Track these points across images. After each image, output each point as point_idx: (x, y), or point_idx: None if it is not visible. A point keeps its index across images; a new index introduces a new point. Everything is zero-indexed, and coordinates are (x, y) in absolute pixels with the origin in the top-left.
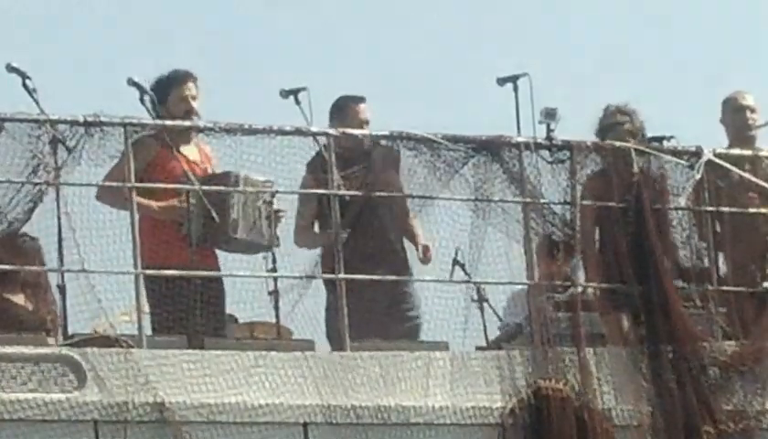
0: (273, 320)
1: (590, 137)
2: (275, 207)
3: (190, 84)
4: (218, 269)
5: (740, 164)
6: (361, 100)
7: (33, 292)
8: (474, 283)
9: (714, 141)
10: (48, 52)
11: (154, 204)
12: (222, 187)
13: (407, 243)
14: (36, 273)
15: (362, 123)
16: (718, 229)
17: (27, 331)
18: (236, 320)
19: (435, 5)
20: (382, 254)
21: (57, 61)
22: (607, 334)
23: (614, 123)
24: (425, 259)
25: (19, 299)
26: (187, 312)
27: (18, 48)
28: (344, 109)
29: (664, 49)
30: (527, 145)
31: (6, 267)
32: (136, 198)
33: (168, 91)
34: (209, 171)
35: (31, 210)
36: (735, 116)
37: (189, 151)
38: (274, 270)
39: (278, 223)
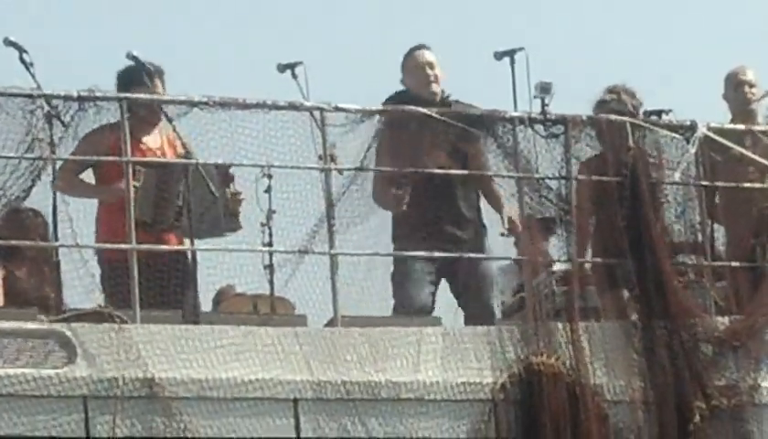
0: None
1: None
2: (233, 190)
3: (157, 82)
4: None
5: (741, 139)
6: (425, 46)
7: (37, 268)
8: (467, 256)
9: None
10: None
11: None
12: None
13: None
14: (39, 249)
15: (426, 65)
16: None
17: (31, 307)
18: (242, 294)
19: None
20: (452, 222)
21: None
22: (605, 309)
23: (601, 100)
24: (510, 231)
25: (23, 274)
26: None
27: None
28: (409, 55)
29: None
30: (521, 120)
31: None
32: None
33: (134, 88)
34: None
35: (30, 187)
36: (736, 91)
37: (152, 140)
38: (270, 244)
39: (238, 207)
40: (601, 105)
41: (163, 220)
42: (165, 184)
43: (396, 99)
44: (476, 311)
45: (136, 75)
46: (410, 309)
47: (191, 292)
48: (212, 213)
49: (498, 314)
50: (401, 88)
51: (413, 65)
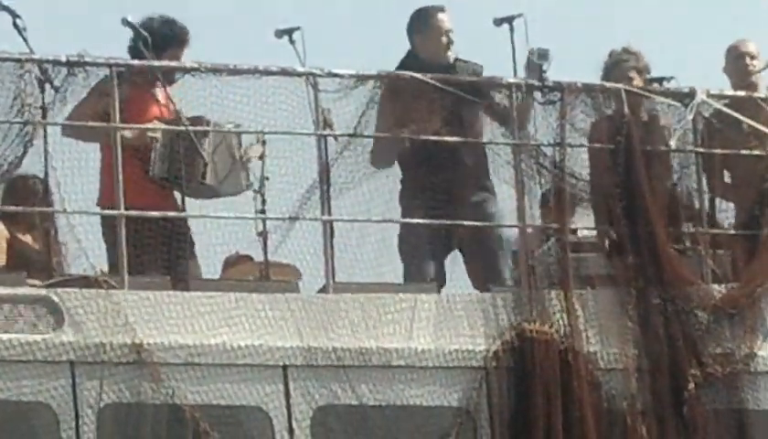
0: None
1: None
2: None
3: (185, 49)
4: (178, 210)
5: (742, 109)
6: (441, 9)
7: (41, 233)
8: (461, 224)
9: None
10: None
11: (126, 133)
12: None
13: None
14: (42, 214)
15: (445, 32)
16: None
17: (38, 271)
18: (251, 258)
19: None
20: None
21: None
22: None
23: (619, 60)
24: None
25: (28, 239)
26: (147, 254)
27: None
28: (425, 18)
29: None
30: (517, 86)
31: None
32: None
33: (164, 46)
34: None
35: (23, 154)
36: (736, 64)
37: (159, 93)
38: (263, 211)
39: (248, 169)
40: (618, 65)
41: (188, 178)
42: (185, 141)
43: (407, 65)
44: (486, 276)
45: (169, 39)
46: (421, 279)
47: (184, 257)
48: (233, 174)
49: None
50: (409, 49)
51: (431, 30)
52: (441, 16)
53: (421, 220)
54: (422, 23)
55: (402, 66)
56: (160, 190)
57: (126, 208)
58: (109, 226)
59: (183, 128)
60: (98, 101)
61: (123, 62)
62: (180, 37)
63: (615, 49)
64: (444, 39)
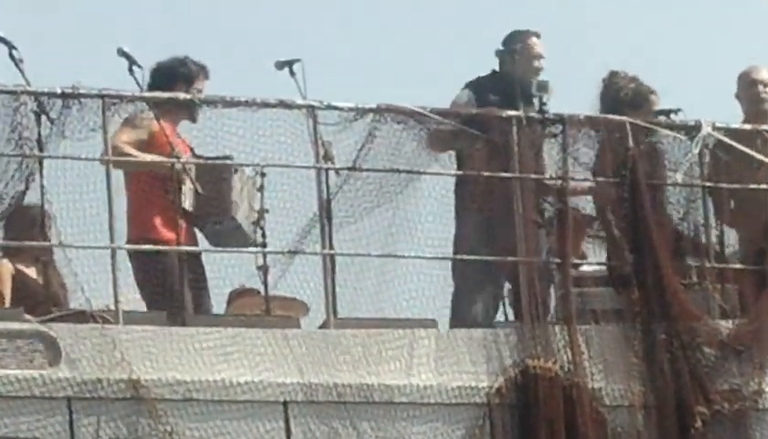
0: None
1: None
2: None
3: (201, 81)
4: (197, 245)
5: (752, 140)
6: (537, 34)
7: (44, 265)
8: (460, 258)
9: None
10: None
11: (148, 156)
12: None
13: None
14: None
15: (536, 56)
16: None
17: (41, 305)
18: (257, 291)
19: None
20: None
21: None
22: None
23: (645, 99)
24: None
25: (32, 272)
26: (172, 287)
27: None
28: (520, 40)
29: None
30: (518, 119)
31: None
32: (132, 151)
33: (176, 84)
34: None
35: (26, 188)
36: (748, 90)
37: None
38: (263, 245)
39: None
40: (644, 103)
41: (219, 214)
42: (217, 180)
43: (490, 81)
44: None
45: (175, 72)
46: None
47: (180, 292)
48: (245, 226)
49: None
50: (495, 69)
51: (524, 51)
52: (535, 40)
53: (425, 256)
54: (517, 43)
55: (483, 81)
56: (188, 226)
57: (153, 242)
58: (140, 263)
59: (177, 160)
60: (132, 131)
61: (115, 94)
62: (187, 75)
63: (619, 72)
64: (536, 63)
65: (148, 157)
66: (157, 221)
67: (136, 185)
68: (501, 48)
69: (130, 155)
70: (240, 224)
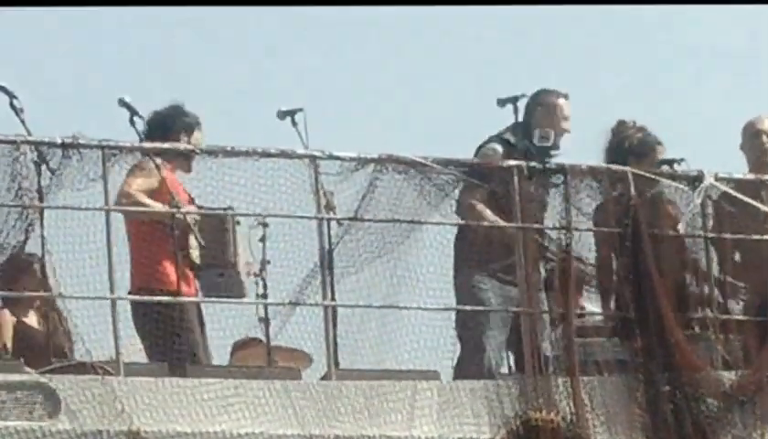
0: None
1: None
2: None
3: (197, 134)
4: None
5: (758, 190)
6: (565, 95)
7: (47, 314)
8: (461, 309)
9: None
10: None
11: (157, 204)
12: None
13: None
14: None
15: (564, 117)
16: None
17: (44, 356)
18: (261, 341)
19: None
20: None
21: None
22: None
23: (650, 149)
24: None
25: (33, 322)
26: (171, 338)
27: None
28: (549, 99)
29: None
30: (519, 169)
31: None
32: (144, 199)
33: (172, 134)
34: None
35: (26, 239)
36: (752, 141)
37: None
38: (265, 296)
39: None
40: (653, 149)
41: (225, 266)
42: (218, 231)
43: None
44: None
45: (171, 121)
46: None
47: (185, 342)
48: (239, 277)
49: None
50: (518, 121)
51: (553, 110)
52: (563, 101)
53: (427, 307)
54: (546, 101)
55: (506, 134)
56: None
57: (159, 292)
58: (140, 314)
59: (178, 210)
60: (144, 179)
61: (115, 144)
62: (183, 126)
63: (627, 122)
64: (564, 124)
65: (157, 206)
66: (163, 271)
67: (141, 233)
68: (528, 100)
69: (143, 203)
70: (241, 276)
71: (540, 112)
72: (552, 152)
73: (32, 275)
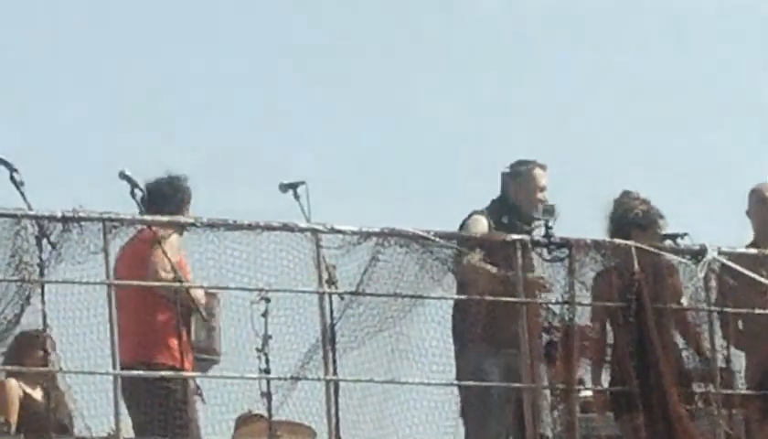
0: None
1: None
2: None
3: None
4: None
5: (764, 263)
6: (543, 166)
7: (50, 390)
8: (463, 384)
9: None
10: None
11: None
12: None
13: None
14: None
15: (540, 188)
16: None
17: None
18: (261, 416)
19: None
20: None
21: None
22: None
23: (653, 222)
24: None
25: (38, 396)
26: (174, 412)
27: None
28: (525, 170)
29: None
30: (523, 243)
31: None
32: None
33: (164, 204)
34: None
35: (21, 311)
36: (759, 208)
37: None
38: (267, 371)
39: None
40: (652, 225)
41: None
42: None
43: (498, 207)
44: None
45: (177, 194)
46: None
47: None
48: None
49: None
50: (500, 194)
51: (529, 181)
52: (540, 171)
53: (429, 382)
54: (522, 173)
55: (494, 206)
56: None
57: (155, 367)
58: (132, 388)
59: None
60: (173, 255)
61: (116, 217)
62: (178, 199)
63: (631, 193)
64: (539, 195)
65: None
66: (163, 347)
67: (145, 305)
68: (507, 171)
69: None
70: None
71: (517, 183)
72: (534, 224)
73: (38, 350)
